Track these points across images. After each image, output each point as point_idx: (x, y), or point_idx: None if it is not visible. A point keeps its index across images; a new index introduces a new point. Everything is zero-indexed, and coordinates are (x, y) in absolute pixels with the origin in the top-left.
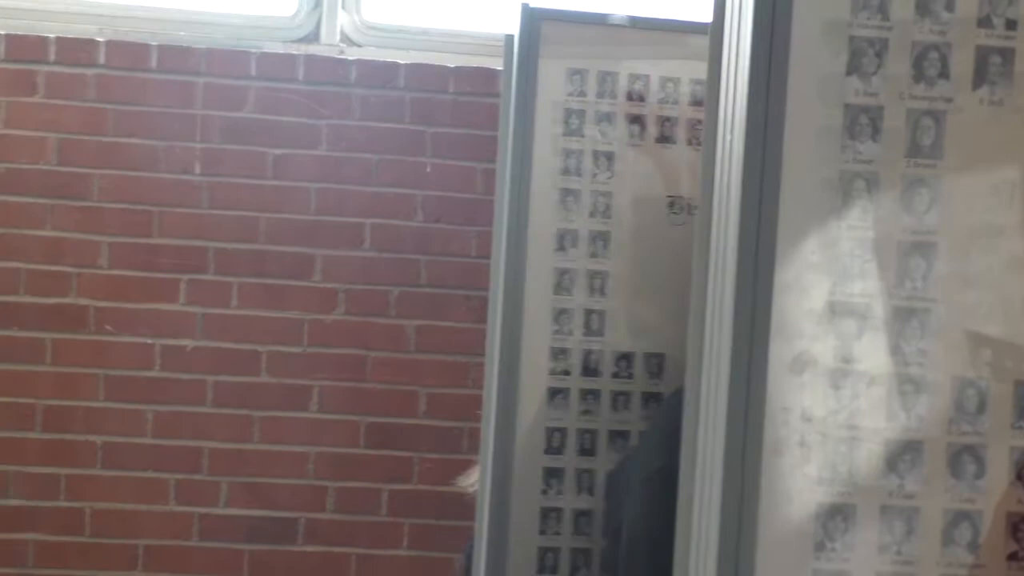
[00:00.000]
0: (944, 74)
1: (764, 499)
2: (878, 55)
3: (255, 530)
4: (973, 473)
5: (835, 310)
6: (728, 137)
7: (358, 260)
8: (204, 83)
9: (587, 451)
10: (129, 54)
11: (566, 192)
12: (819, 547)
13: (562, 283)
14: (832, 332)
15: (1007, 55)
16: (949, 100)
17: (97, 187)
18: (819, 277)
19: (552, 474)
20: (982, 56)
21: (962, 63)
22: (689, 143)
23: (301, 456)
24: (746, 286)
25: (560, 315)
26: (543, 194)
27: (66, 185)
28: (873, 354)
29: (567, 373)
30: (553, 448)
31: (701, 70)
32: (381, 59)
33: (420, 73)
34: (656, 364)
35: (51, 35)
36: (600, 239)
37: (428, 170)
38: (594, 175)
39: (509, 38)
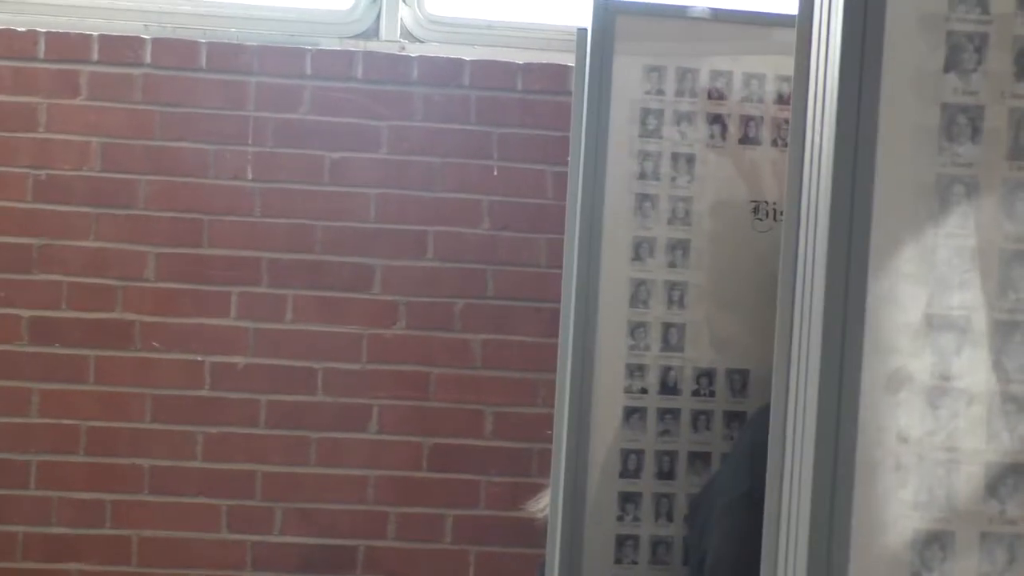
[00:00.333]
0: None
1: (856, 525)
2: (977, 51)
3: (311, 559)
4: None
5: (932, 324)
6: (817, 139)
7: (420, 270)
8: (256, 83)
9: (666, 474)
10: (177, 52)
11: (643, 197)
12: None
13: (638, 295)
14: (929, 347)
15: None
16: None
17: (143, 194)
18: (915, 289)
19: (628, 499)
20: None
21: None
22: (774, 144)
23: (360, 480)
24: (837, 298)
25: (636, 329)
26: (618, 200)
27: (110, 192)
28: (973, 371)
29: (644, 391)
30: (629, 471)
31: (787, 66)
32: (444, 55)
33: (486, 70)
34: (739, 381)
35: (94, 33)
36: (679, 247)
37: (495, 174)
38: (673, 179)
39: (582, 32)
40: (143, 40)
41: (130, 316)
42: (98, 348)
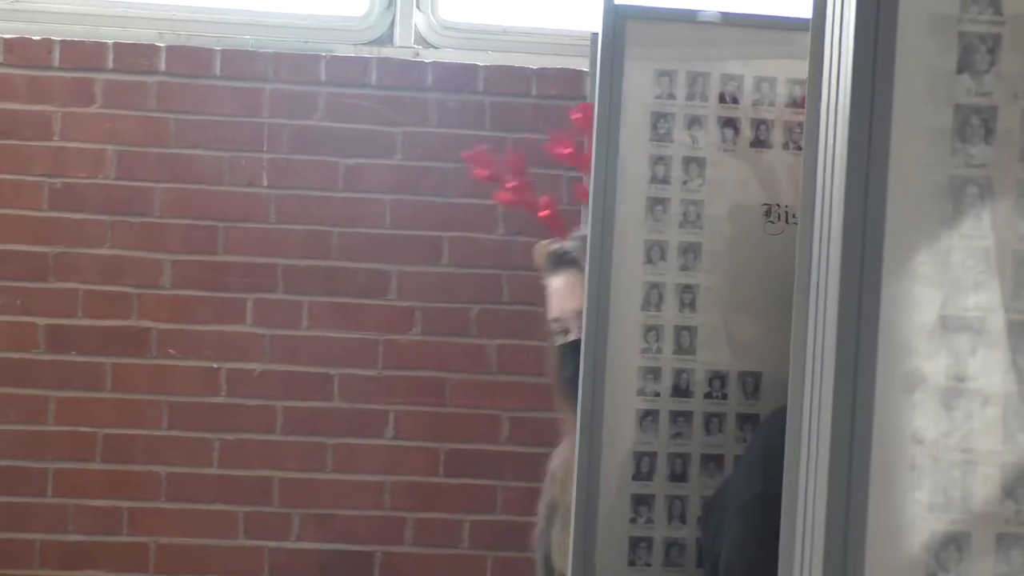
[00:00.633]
0: None
1: (872, 527)
2: (990, 52)
3: (328, 564)
4: None
5: (947, 325)
6: (830, 141)
7: (436, 276)
8: (271, 89)
9: (678, 477)
10: (191, 60)
11: (654, 201)
12: None
13: (650, 298)
14: (944, 349)
15: None
16: None
17: (159, 202)
18: (929, 290)
19: (641, 501)
20: None
21: None
22: (786, 147)
23: (377, 486)
24: (851, 300)
25: (649, 332)
26: (630, 203)
27: (126, 200)
28: (988, 372)
29: (657, 394)
30: (642, 474)
31: (798, 69)
32: (459, 61)
33: (500, 75)
34: (752, 383)
35: (109, 41)
36: (691, 251)
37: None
38: (684, 182)
39: (595, 36)
40: (157, 48)
41: (146, 323)
42: (114, 356)
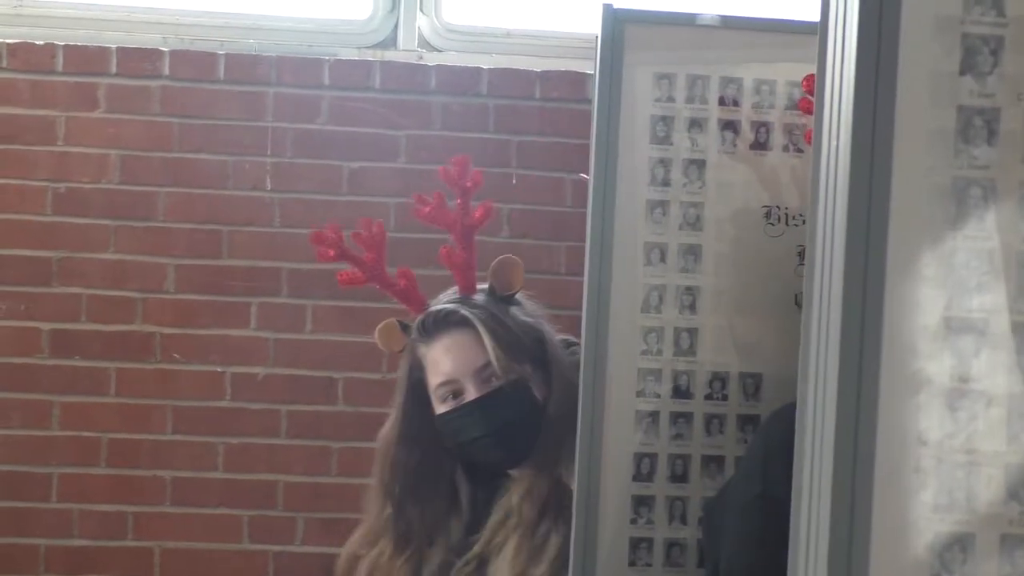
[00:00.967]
0: None
1: (876, 528)
2: (993, 53)
3: (333, 569)
4: None
5: (951, 327)
6: (833, 142)
7: (441, 279)
8: (274, 93)
9: (679, 478)
10: (195, 64)
11: (654, 204)
12: None
13: (650, 300)
14: (948, 350)
15: None
16: None
17: (162, 206)
18: (933, 291)
19: (642, 502)
20: None
21: None
22: (786, 149)
23: None
24: (855, 301)
25: (649, 334)
26: (630, 206)
27: (129, 204)
28: (992, 373)
29: (657, 395)
30: (643, 475)
31: (797, 72)
32: (462, 64)
33: (504, 78)
34: (753, 384)
35: (112, 46)
36: (691, 252)
37: (514, 182)
38: (684, 185)
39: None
40: (161, 52)
41: (150, 328)
42: (118, 360)
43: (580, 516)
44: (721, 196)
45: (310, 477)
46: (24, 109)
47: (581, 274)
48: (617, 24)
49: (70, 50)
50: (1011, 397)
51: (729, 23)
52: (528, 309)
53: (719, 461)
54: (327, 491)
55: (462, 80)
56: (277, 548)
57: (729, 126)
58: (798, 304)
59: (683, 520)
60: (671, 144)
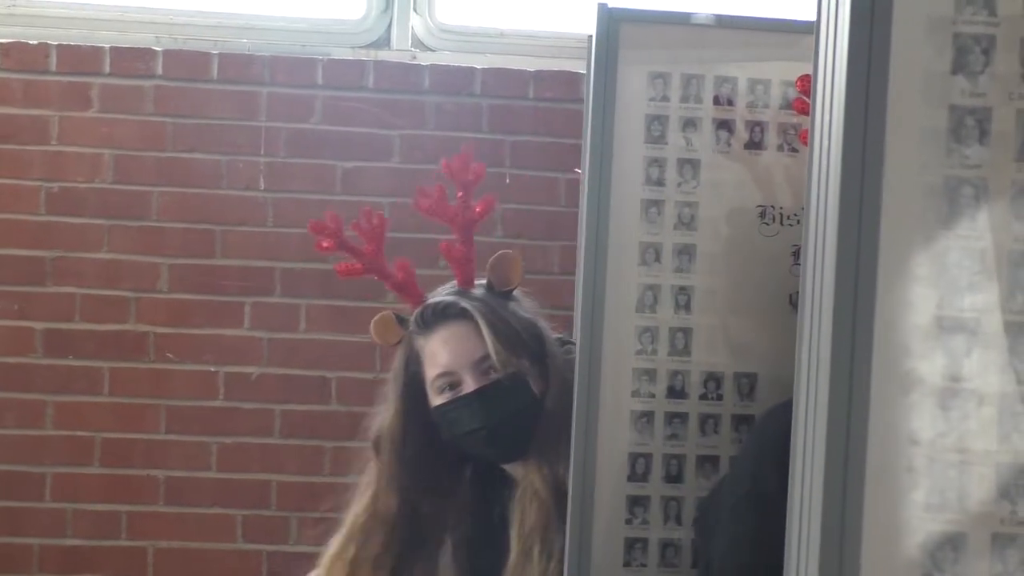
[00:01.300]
0: None
1: (868, 528)
2: (985, 53)
3: None
4: None
5: (943, 326)
6: (825, 142)
7: (434, 279)
8: (268, 93)
9: (674, 478)
10: (188, 64)
11: (649, 203)
12: None
13: (645, 299)
14: (940, 349)
15: None
16: None
17: (156, 205)
18: (925, 291)
19: (637, 502)
20: None
21: None
22: (780, 149)
23: None
24: (846, 301)
25: (644, 334)
26: (624, 205)
27: (123, 204)
28: (984, 372)
29: (652, 395)
30: (638, 475)
31: (793, 71)
32: (456, 64)
33: (498, 78)
34: (748, 384)
35: (105, 45)
36: (686, 252)
37: (507, 182)
38: (679, 185)
39: (592, 39)
40: (154, 52)
41: (144, 327)
42: (112, 359)
43: (575, 517)
44: (716, 196)
45: (304, 477)
46: (17, 109)
47: (575, 274)
48: (612, 23)
49: (63, 50)
50: (1003, 396)
51: (724, 22)
52: (525, 305)
53: (714, 461)
54: (321, 491)
55: (456, 80)
56: (271, 548)
57: (724, 126)
58: (792, 304)
59: (678, 520)
60: (666, 143)
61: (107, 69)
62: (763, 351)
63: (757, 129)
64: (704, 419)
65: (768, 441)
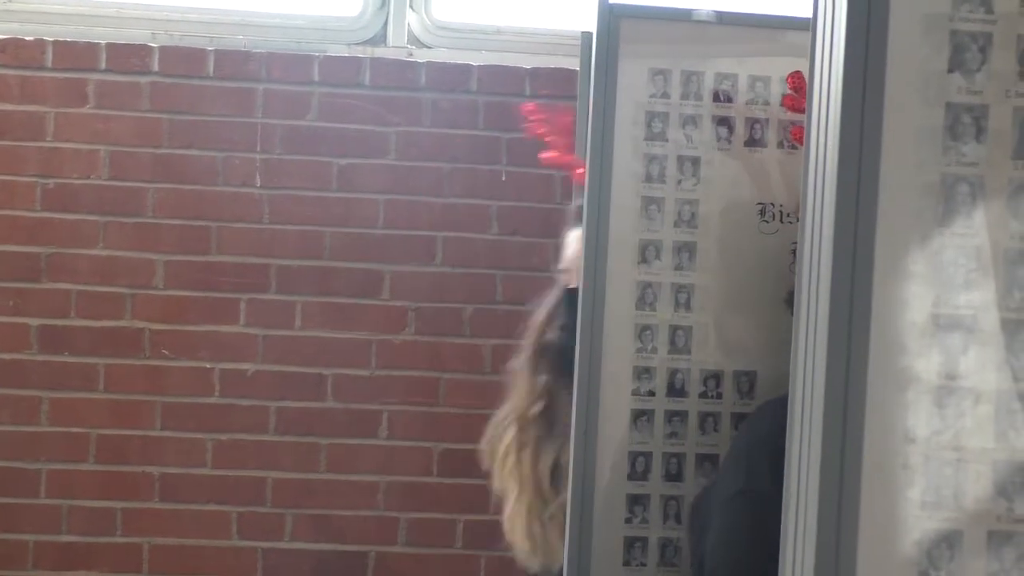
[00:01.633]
0: None
1: (864, 525)
2: (981, 51)
3: (322, 565)
4: None
5: (939, 323)
6: (822, 139)
7: (429, 276)
8: (264, 90)
9: (674, 476)
10: (184, 60)
11: (649, 200)
12: None
13: (645, 297)
14: (936, 347)
15: None
16: None
17: (152, 202)
18: (921, 288)
19: (637, 501)
20: None
21: None
22: (780, 146)
23: (370, 486)
24: (843, 298)
25: (643, 332)
26: (624, 203)
27: (119, 200)
28: (980, 370)
29: (652, 393)
30: (637, 473)
31: (793, 68)
32: (452, 61)
33: (494, 75)
34: (747, 383)
35: (102, 42)
36: (686, 250)
37: (504, 179)
38: (679, 182)
39: (587, 36)
40: (151, 48)
41: (139, 324)
42: (107, 356)
43: (575, 516)
44: (715, 193)
45: (299, 473)
46: (13, 105)
47: None
48: (613, 19)
49: (59, 46)
50: (998, 394)
51: (724, 19)
52: None
53: (713, 460)
54: (316, 487)
55: (452, 77)
56: (266, 544)
57: (723, 122)
58: (788, 302)
59: (677, 519)
60: (666, 140)
61: (103, 65)
62: (763, 349)
63: (757, 126)
64: (704, 417)
65: (758, 437)
